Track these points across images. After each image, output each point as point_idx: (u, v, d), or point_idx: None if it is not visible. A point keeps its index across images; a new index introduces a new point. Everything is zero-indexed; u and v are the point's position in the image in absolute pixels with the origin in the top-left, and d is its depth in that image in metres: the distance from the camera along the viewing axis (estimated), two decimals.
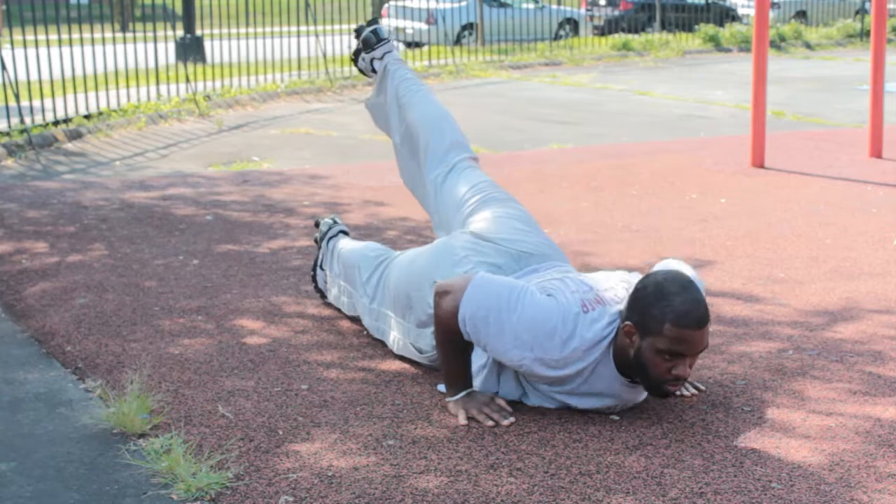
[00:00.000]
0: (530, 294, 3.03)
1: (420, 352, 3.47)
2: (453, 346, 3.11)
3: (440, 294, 3.09)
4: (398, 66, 4.11)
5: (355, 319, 3.98)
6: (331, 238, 4.13)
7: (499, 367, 3.18)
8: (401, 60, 4.16)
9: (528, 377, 3.12)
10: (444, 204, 3.80)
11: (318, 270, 4.18)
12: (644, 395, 3.17)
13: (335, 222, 4.22)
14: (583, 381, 3.04)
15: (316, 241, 4.24)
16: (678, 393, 3.26)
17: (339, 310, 4.09)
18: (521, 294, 3.02)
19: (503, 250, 3.40)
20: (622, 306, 3.00)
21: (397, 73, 4.08)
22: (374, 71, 4.17)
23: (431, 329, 3.32)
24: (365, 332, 3.88)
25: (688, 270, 3.26)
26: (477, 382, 3.20)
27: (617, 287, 3.11)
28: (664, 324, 2.84)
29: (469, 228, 3.57)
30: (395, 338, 3.59)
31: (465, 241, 3.47)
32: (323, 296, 4.21)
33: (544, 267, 3.35)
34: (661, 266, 3.31)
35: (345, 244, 4.03)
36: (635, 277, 3.15)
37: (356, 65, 4.25)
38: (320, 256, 4.15)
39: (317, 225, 4.28)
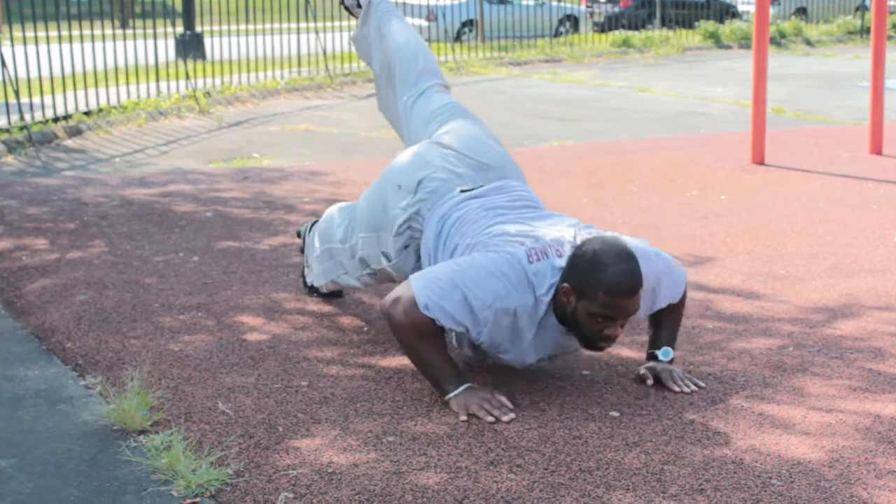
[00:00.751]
0: (469, 262, 3.12)
1: (388, 258, 3.58)
2: (425, 340, 3.13)
3: (391, 304, 3.14)
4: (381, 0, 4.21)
5: (353, 314, 3.99)
6: (309, 231, 4.20)
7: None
8: None
9: (491, 349, 3.20)
10: (413, 124, 3.93)
11: (307, 270, 4.22)
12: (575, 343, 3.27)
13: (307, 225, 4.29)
14: (537, 331, 3.14)
15: (301, 250, 4.31)
16: (677, 389, 3.27)
17: (326, 295, 4.17)
18: (462, 266, 3.11)
19: (466, 160, 3.57)
20: (563, 262, 3.11)
21: (380, 5, 4.17)
22: (359, 6, 4.25)
23: (403, 234, 3.50)
24: (365, 329, 3.88)
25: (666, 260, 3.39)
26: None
27: (563, 236, 3.20)
28: (597, 291, 3.00)
29: (435, 140, 3.70)
30: (367, 257, 3.68)
31: (430, 149, 3.64)
32: (315, 291, 4.23)
33: (496, 191, 3.48)
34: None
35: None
36: (583, 231, 3.23)
37: (343, 3, 4.31)
38: (304, 253, 4.22)
39: (298, 235, 4.36)
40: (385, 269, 3.64)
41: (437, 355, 3.16)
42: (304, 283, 4.29)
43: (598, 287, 2.99)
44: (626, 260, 3.02)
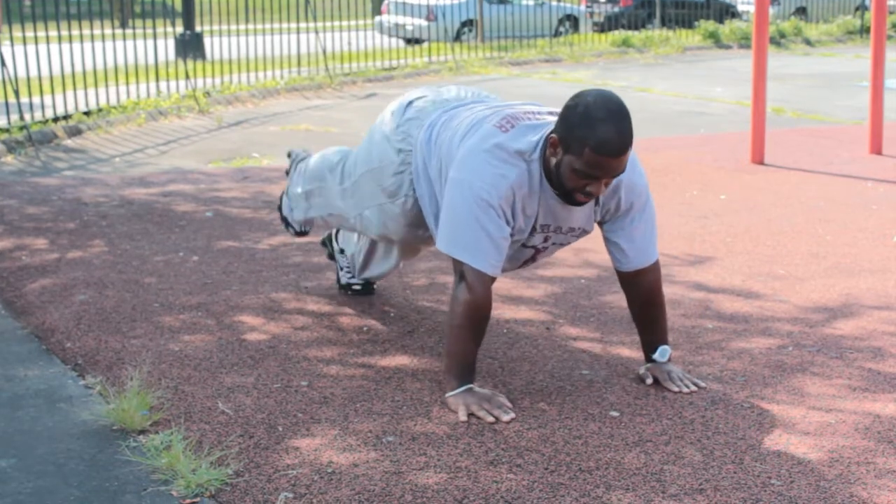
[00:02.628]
0: (459, 193, 3.09)
1: (390, 196, 3.51)
2: (471, 329, 3.13)
3: (457, 287, 3.12)
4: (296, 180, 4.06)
5: (353, 314, 3.99)
6: (300, 161, 4.18)
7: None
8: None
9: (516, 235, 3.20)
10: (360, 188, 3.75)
11: (284, 198, 4.20)
12: (576, 216, 3.22)
13: (306, 152, 4.27)
14: (538, 198, 3.11)
15: (287, 172, 4.28)
16: (676, 389, 3.27)
17: (296, 233, 4.19)
18: (461, 201, 3.08)
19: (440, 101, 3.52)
20: (539, 122, 3.12)
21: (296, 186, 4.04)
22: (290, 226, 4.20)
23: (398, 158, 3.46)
24: (365, 329, 3.88)
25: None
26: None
27: (535, 108, 3.24)
28: (584, 147, 2.94)
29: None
30: (368, 195, 3.61)
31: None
32: (288, 225, 4.21)
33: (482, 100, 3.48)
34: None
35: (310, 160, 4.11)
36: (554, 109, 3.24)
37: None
38: (288, 181, 4.18)
39: (289, 155, 4.31)
40: (384, 206, 3.57)
41: (469, 347, 3.15)
42: (280, 211, 4.25)
43: (585, 142, 2.92)
44: (618, 117, 2.94)
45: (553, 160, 3.03)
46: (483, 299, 3.10)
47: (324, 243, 4.42)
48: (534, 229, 3.19)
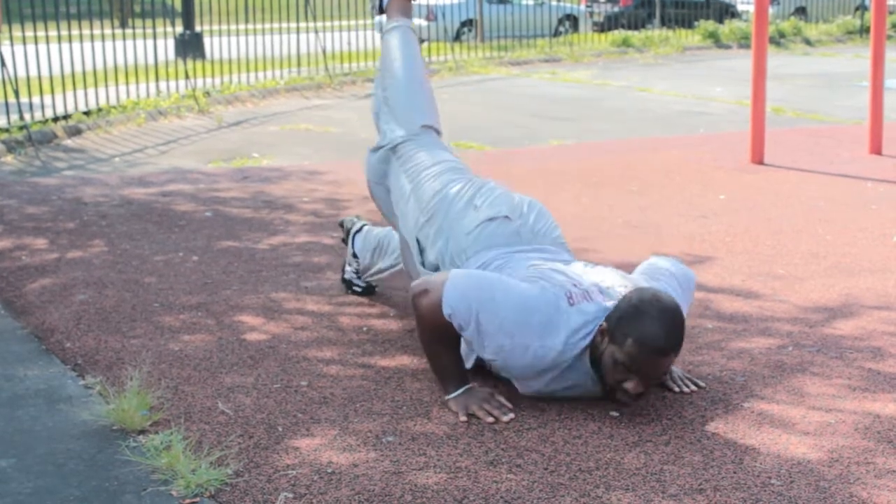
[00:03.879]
0: (510, 282, 3.06)
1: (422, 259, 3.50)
2: (441, 342, 3.12)
3: (419, 294, 3.10)
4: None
5: (353, 315, 3.99)
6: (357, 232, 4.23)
7: None
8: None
9: (502, 370, 3.15)
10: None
11: (347, 267, 4.28)
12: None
13: (359, 219, 4.32)
14: (558, 373, 3.06)
15: (343, 240, 4.34)
16: (676, 389, 3.27)
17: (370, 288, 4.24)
18: (500, 282, 3.05)
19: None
20: (612, 304, 3.02)
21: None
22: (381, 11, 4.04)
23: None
24: (365, 329, 3.88)
25: (674, 267, 3.31)
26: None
27: (610, 285, 3.12)
28: (628, 339, 2.89)
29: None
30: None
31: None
32: (350, 286, 4.27)
33: (538, 250, 3.37)
34: (648, 271, 3.32)
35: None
36: (634, 282, 3.16)
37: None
38: (350, 248, 4.23)
39: (341, 225, 4.36)
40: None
41: (449, 355, 3.15)
42: (350, 284, 4.29)
43: (629, 334, 2.88)
44: (670, 318, 2.91)
45: (599, 349, 2.97)
46: (438, 323, 3.06)
47: (342, 225, 4.37)
48: (554, 390, 3.16)
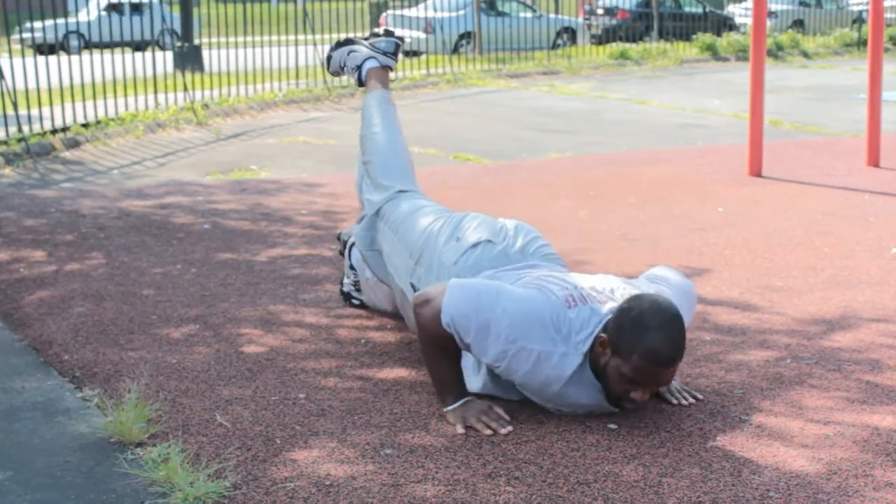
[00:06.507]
0: (509, 289, 3.07)
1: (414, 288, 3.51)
2: (441, 353, 3.12)
3: (420, 304, 3.12)
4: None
5: (351, 327, 3.99)
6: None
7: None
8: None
9: (509, 377, 3.13)
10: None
11: (345, 279, 4.29)
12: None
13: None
14: (563, 385, 3.05)
15: (341, 252, 4.34)
16: (674, 401, 3.27)
17: (367, 307, 4.22)
18: (500, 289, 3.06)
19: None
20: (610, 309, 3.03)
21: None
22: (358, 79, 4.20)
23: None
24: (363, 341, 3.88)
25: (676, 278, 3.31)
26: (477, 382, 3.24)
27: (608, 288, 3.14)
28: (633, 354, 2.90)
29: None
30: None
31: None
32: (348, 298, 4.29)
33: (528, 266, 3.36)
34: (649, 277, 3.34)
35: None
36: (631, 288, 3.16)
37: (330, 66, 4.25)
38: (346, 259, 4.25)
39: (339, 238, 4.38)
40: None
41: (447, 365, 3.15)
42: (349, 296, 4.31)
43: (634, 349, 2.89)
44: (672, 328, 2.91)
45: (601, 361, 2.98)
46: (438, 333, 3.06)
47: (339, 238, 4.39)
48: (560, 405, 3.15)
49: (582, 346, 3.01)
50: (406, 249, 3.61)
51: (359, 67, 4.17)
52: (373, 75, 4.14)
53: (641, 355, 2.89)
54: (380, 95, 4.09)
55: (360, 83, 4.18)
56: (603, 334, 2.97)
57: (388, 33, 4.24)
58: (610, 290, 3.13)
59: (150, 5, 12.21)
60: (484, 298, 3.02)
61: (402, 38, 4.27)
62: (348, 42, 4.21)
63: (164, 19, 12.69)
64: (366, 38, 4.26)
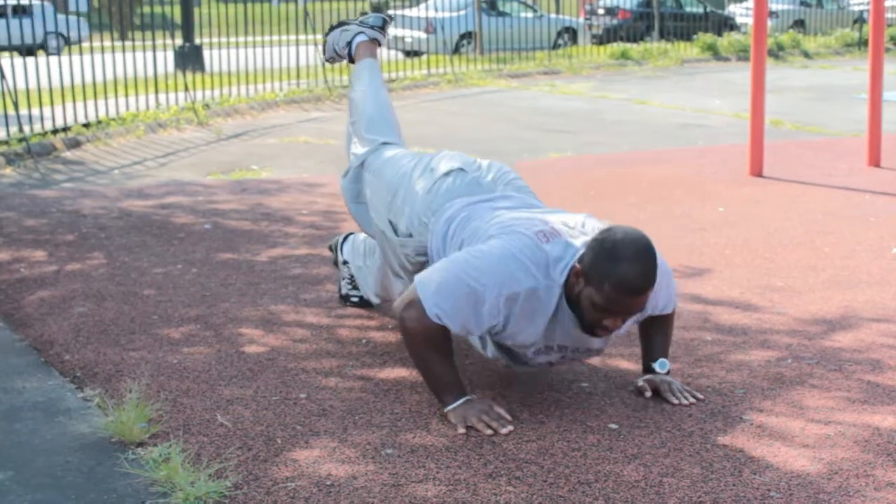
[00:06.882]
0: (473, 251, 3.09)
1: (395, 231, 3.56)
2: (434, 354, 3.12)
3: (403, 309, 3.12)
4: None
5: (351, 327, 3.99)
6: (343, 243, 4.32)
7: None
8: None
9: (511, 335, 3.14)
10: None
11: (342, 282, 4.33)
12: (596, 340, 3.20)
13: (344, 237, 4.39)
14: (547, 321, 3.07)
15: (335, 262, 4.38)
16: (675, 401, 3.27)
17: (367, 303, 4.23)
18: (465, 257, 3.08)
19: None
20: (583, 242, 3.07)
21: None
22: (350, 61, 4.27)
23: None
24: (364, 341, 3.88)
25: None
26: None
27: (579, 223, 3.19)
28: (605, 283, 2.93)
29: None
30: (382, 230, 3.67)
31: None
32: (347, 299, 4.31)
33: (501, 196, 3.45)
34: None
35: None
36: (600, 223, 3.21)
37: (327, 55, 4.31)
38: (341, 267, 4.32)
39: (330, 248, 4.42)
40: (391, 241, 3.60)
41: (443, 366, 3.15)
42: (347, 297, 4.33)
43: (606, 278, 2.92)
44: (644, 258, 2.96)
45: (575, 289, 3.01)
46: (430, 330, 3.08)
47: (331, 248, 4.42)
48: (550, 348, 3.18)
49: (560, 278, 3.04)
50: (385, 187, 3.67)
51: (349, 43, 4.25)
52: (362, 48, 4.23)
53: (613, 284, 2.91)
54: (368, 62, 4.19)
55: (351, 59, 4.26)
56: (578, 264, 3.01)
57: (377, 9, 4.32)
58: (581, 225, 3.18)
59: (33, 8, 11.91)
60: (454, 271, 3.05)
61: (390, 15, 4.37)
62: (341, 24, 4.29)
63: (45, 22, 12.46)
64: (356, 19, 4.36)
